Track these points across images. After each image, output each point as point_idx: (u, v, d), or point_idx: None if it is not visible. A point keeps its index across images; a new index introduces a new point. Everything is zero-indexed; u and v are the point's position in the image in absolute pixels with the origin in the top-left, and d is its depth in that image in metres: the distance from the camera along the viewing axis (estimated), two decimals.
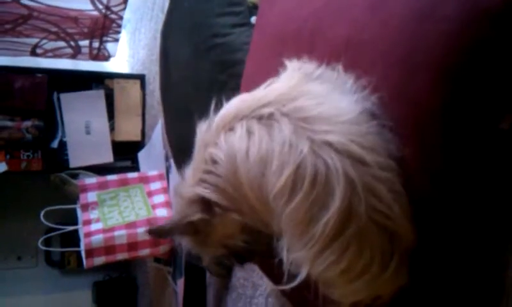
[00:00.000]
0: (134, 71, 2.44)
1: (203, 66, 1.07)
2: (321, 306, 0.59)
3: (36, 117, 2.18)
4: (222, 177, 0.68)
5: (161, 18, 1.80)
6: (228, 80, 1.00)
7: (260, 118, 0.61)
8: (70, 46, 2.24)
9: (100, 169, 2.08)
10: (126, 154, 2.29)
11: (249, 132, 0.63)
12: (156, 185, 1.90)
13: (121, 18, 2.09)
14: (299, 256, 0.56)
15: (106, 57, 2.26)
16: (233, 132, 0.66)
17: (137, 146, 2.30)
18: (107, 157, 2.22)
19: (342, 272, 0.53)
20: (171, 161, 1.81)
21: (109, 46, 2.22)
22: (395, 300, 0.57)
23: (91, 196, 1.82)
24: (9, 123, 2.16)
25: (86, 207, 1.79)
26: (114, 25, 2.11)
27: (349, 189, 0.52)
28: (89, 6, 2.05)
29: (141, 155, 2.24)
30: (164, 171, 1.91)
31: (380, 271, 0.52)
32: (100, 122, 2.25)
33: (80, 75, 2.29)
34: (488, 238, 0.56)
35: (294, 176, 0.55)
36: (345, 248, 0.52)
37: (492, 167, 0.54)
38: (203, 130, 0.73)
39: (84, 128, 2.22)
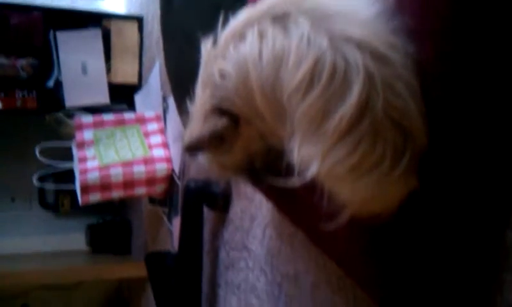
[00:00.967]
0: (132, 12, 2.39)
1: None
2: (322, 216, 0.59)
3: (32, 55, 2.14)
4: (231, 90, 0.66)
5: None
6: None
7: (274, 19, 0.59)
8: None
9: (96, 111, 2.05)
10: (122, 97, 2.27)
11: (262, 35, 0.60)
12: (153, 126, 1.89)
13: None
14: (310, 151, 0.55)
15: None
16: (243, 39, 0.63)
17: (134, 88, 2.27)
18: (103, 97, 2.20)
19: (353, 167, 0.52)
20: (169, 101, 1.80)
21: None
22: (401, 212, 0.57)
23: (87, 134, 1.81)
24: (3, 61, 2.13)
25: (81, 145, 1.78)
26: None
27: (367, 83, 0.51)
28: None
29: (138, 97, 2.22)
30: (161, 112, 1.90)
31: (391, 168, 0.52)
32: (96, 63, 2.22)
33: (78, 14, 2.23)
34: (497, 158, 0.55)
35: (312, 70, 0.53)
36: (358, 142, 0.52)
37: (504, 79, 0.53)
38: (208, 46, 0.71)
39: (81, 68, 2.18)
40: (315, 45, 0.54)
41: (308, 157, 0.56)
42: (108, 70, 2.25)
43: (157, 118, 1.89)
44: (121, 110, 2.11)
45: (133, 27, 2.29)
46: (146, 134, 1.84)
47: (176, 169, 1.74)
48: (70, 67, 2.17)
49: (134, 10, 2.37)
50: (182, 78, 1.42)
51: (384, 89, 0.51)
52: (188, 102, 0.77)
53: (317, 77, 0.53)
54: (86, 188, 1.66)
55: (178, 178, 1.72)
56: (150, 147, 1.79)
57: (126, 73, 2.33)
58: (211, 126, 0.71)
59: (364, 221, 0.59)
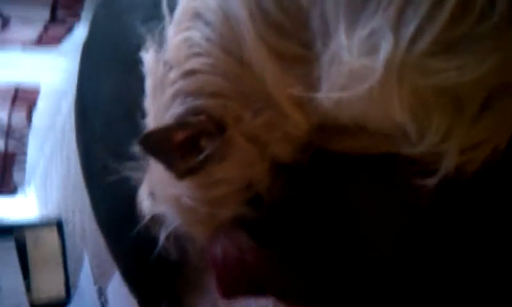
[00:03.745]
0: (47, 215, 2.12)
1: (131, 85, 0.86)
2: None
3: None
4: (205, 80, 0.52)
5: (74, 150, 1.60)
6: None
7: None
8: None
9: None
10: None
11: None
12: None
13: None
14: None
15: (13, 189, 1.95)
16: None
17: (63, 305, 1.91)
18: None
19: None
20: (108, 291, 1.49)
21: (16, 175, 1.94)
22: None
23: None
24: None
25: None
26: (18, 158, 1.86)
27: None
28: None
29: None
30: None
31: None
32: (12, 281, 1.87)
33: None
34: None
35: None
36: None
37: None
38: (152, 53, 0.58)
39: None
40: None
41: None
42: (27, 288, 1.91)
43: None
44: None
45: (52, 234, 2.01)
46: None
47: None
48: None
49: (50, 210, 2.10)
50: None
51: None
52: None
53: None
54: None
55: None
56: None
57: (50, 287, 1.99)
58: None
59: None
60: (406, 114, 0.44)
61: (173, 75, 0.55)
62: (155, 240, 0.63)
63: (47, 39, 1.42)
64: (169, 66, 0.56)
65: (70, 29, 1.40)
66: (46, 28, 1.38)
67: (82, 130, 1.28)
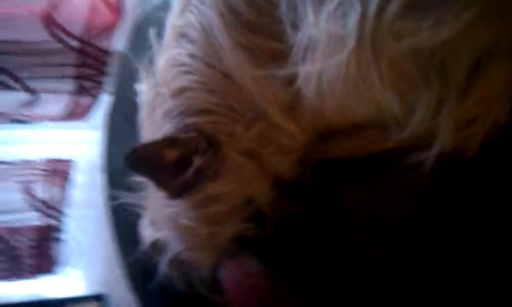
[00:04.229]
0: (90, 291, 2.11)
1: None
2: None
3: None
4: (198, 94, 0.51)
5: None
6: None
7: None
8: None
9: None
10: None
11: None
12: None
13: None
14: None
15: (52, 265, 1.95)
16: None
17: None
18: None
19: None
20: None
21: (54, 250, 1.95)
22: None
23: None
24: None
25: None
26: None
27: None
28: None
29: None
30: None
31: None
32: None
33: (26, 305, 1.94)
34: None
35: None
36: None
37: None
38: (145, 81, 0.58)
39: None
40: None
41: None
42: None
43: None
44: None
45: None
46: None
47: None
48: None
49: (94, 285, 2.10)
50: None
51: None
52: None
53: None
54: None
55: None
56: None
57: None
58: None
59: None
60: (389, 91, 0.42)
61: (162, 95, 0.54)
62: None
63: (74, 111, 1.47)
64: (158, 88, 0.55)
65: (95, 100, 1.45)
66: (72, 101, 1.43)
67: (111, 197, 1.29)
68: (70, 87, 1.40)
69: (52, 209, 1.75)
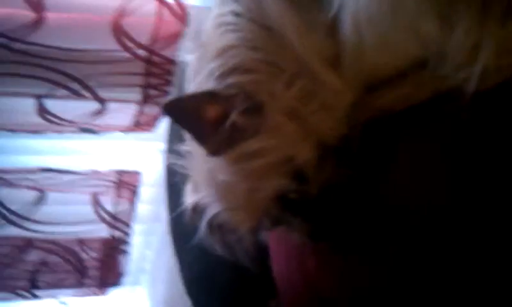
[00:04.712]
0: None
1: None
2: None
3: None
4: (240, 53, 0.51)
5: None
6: None
7: None
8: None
9: None
10: None
11: None
12: None
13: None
14: None
15: (118, 278, 1.95)
16: None
17: None
18: None
19: None
20: None
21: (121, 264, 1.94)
22: None
23: None
24: None
25: None
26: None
27: None
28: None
29: None
30: None
31: None
32: None
33: None
34: None
35: None
36: None
37: None
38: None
39: None
40: None
41: None
42: None
43: None
44: None
45: None
46: None
47: None
48: None
49: (157, 303, 2.08)
50: None
51: None
52: None
53: None
54: None
55: None
56: None
57: None
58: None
59: None
60: (425, 8, 0.43)
61: (207, 55, 0.54)
62: None
63: (141, 122, 1.48)
64: (203, 51, 0.56)
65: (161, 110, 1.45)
66: (139, 110, 1.44)
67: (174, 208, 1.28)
68: (136, 97, 1.42)
69: (119, 222, 1.76)
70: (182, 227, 1.28)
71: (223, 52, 0.52)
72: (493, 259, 0.46)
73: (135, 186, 1.72)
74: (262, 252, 0.62)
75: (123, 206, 1.74)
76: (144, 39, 1.31)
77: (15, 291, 1.83)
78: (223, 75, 0.52)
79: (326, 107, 0.51)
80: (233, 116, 0.50)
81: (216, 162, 0.54)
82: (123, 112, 1.44)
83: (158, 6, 1.27)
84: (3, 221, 1.70)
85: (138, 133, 1.56)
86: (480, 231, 0.47)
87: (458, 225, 0.48)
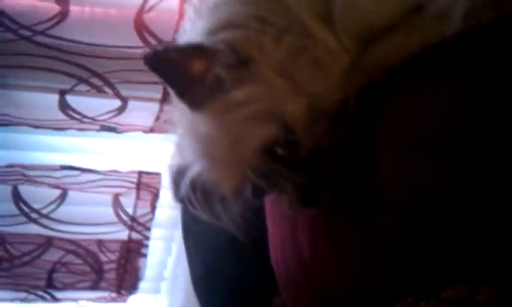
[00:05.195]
0: None
1: None
2: None
3: None
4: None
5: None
6: None
7: None
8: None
9: None
10: None
11: None
12: None
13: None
14: None
15: (135, 282, 1.91)
16: None
17: None
18: None
19: None
20: None
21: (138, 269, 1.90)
22: None
23: None
24: None
25: None
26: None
27: None
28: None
29: None
30: None
31: None
32: None
33: None
34: None
35: None
36: None
37: None
38: None
39: None
40: None
41: None
42: None
43: None
44: None
45: None
46: None
47: None
48: None
49: None
50: None
51: None
52: None
53: None
54: None
55: None
56: None
57: None
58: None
59: None
60: None
61: (198, 13, 0.53)
62: None
63: (162, 122, 1.46)
64: (196, 10, 0.54)
65: None
66: (160, 109, 1.42)
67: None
68: (157, 95, 1.40)
69: (139, 225, 1.74)
70: (192, 227, 1.26)
71: (214, 9, 0.51)
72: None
73: (156, 188, 1.70)
74: (250, 221, 0.57)
75: (144, 209, 1.72)
76: (166, 35, 1.30)
77: (31, 291, 1.83)
78: (213, 31, 0.50)
79: (319, 65, 0.49)
80: (217, 70, 0.48)
81: (198, 116, 0.51)
82: (144, 110, 1.43)
83: (180, 2, 1.26)
84: (25, 219, 1.70)
85: (159, 134, 1.55)
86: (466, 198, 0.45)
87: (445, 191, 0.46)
